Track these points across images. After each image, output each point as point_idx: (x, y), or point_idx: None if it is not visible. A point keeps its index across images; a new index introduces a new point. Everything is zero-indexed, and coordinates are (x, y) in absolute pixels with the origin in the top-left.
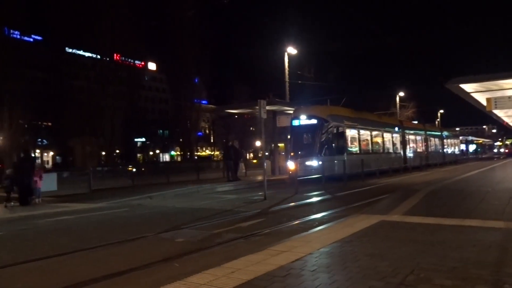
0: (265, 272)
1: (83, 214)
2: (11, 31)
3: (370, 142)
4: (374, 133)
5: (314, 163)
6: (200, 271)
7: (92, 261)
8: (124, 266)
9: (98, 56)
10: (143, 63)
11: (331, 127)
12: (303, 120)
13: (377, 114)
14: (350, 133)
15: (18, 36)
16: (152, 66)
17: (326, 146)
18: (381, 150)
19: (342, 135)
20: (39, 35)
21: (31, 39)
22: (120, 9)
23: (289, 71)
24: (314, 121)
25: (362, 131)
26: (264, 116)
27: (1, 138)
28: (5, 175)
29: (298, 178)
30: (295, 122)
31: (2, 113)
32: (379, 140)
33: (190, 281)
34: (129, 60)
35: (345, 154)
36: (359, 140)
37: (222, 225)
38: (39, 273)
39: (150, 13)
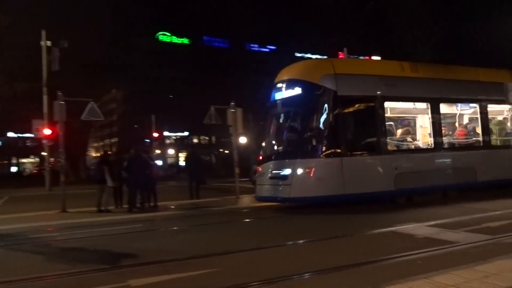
0: None
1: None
2: (250, 44)
3: (439, 127)
4: (453, 108)
5: (287, 171)
6: (446, 270)
7: (331, 251)
8: (362, 259)
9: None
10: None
11: (331, 99)
12: (284, 90)
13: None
14: (382, 110)
15: (257, 48)
16: None
17: (319, 138)
18: (479, 143)
19: (361, 114)
20: (273, 45)
21: (267, 49)
22: None
23: None
24: (298, 90)
25: (418, 105)
26: None
27: None
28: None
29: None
30: (278, 95)
31: None
32: (473, 120)
33: (435, 280)
34: None
35: (366, 151)
36: (411, 124)
37: (467, 224)
38: (292, 257)
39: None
